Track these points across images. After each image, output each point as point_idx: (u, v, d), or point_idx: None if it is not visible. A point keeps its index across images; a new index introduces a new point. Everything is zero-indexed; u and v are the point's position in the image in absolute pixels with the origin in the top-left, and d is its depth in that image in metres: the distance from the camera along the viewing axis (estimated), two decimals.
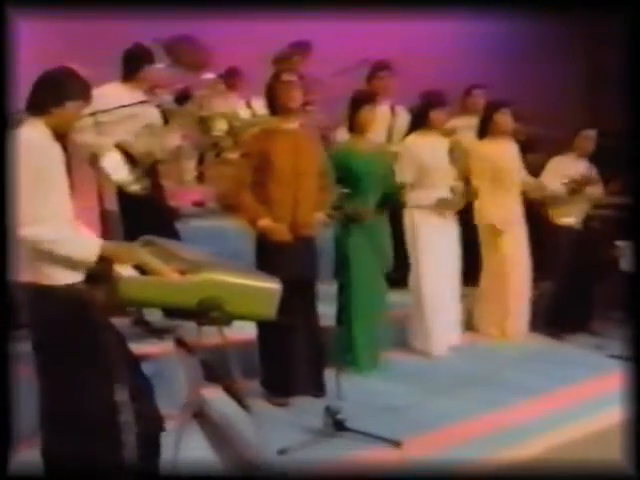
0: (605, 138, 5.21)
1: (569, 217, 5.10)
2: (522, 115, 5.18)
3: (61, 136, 2.72)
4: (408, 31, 6.86)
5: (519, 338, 4.93)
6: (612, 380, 4.00)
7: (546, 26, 7.66)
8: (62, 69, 2.71)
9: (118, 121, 4.01)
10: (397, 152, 4.63)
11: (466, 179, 4.87)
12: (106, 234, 3.74)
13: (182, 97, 5.09)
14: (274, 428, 3.26)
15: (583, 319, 5.13)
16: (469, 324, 5.05)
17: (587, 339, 5.01)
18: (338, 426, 3.28)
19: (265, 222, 3.68)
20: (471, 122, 5.23)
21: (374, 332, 4.24)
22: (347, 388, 3.61)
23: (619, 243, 4.74)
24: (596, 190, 5.18)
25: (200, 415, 2.80)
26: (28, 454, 2.73)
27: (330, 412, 3.29)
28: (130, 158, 4.05)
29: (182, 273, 2.56)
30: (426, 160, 4.49)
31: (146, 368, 2.85)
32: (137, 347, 3.11)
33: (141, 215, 3.97)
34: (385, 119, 5.09)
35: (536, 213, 5.14)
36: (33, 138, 2.56)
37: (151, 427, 2.71)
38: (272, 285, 2.69)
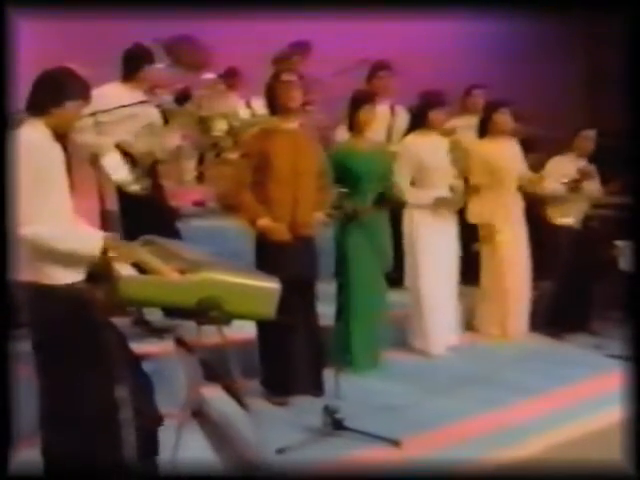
0: (605, 138, 5.21)
1: (567, 217, 5.10)
2: (522, 115, 5.19)
3: (61, 136, 2.73)
4: (408, 31, 6.86)
5: (519, 338, 4.93)
6: (611, 380, 4.00)
7: (546, 26, 7.66)
8: (61, 69, 2.72)
9: (118, 121, 4.02)
10: (396, 152, 4.63)
11: (466, 178, 4.88)
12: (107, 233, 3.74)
13: (182, 97, 5.09)
14: (273, 427, 3.26)
15: (582, 319, 5.13)
16: (470, 324, 5.06)
17: (586, 339, 5.00)
18: (337, 425, 3.29)
19: (265, 222, 3.69)
20: (471, 122, 5.24)
21: (373, 332, 4.25)
22: (346, 387, 3.62)
23: (618, 243, 4.75)
24: (595, 189, 5.18)
25: (200, 414, 2.82)
26: (28, 453, 2.73)
27: (329, 411, 3.30)
28: (130, 158, 4.06)
29: (182, 272, 2.57)
30: (425, 160, 4.49)
31: (146, 367, 2.86)
32: (137, 346, 3.12)
33: (141, 215, 3.97)
34: (385, 119, 5.10)
35: (536, 213, 5.15)
36: (33, 138, 2.56)
37: (150, 425, 2.72)
38: (271, 285, 2.69)
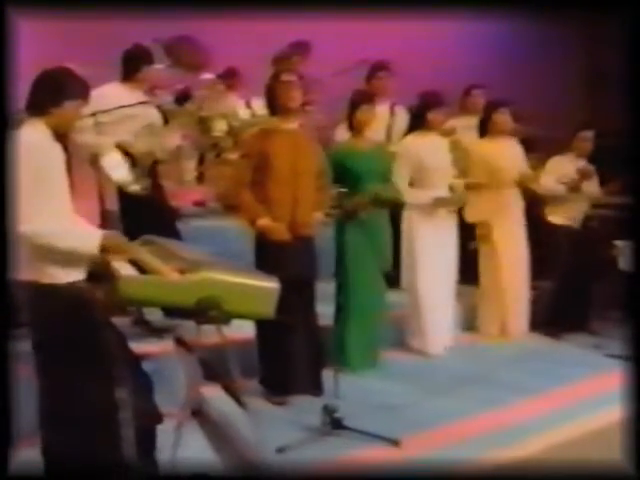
0: (605, 138, 5.22)
1: (567, 216, 5.10)
2: (522, 115, 5.19)
3: (61, 136, 2.73)
4: (408, 31, 6.87)
5: (519, 337, 4.94)
6: (611, 379, 4.01)
7: (546, 26, 7.66)
8: (60, 69, 2.72)
9: (118, 121, 4.02)
10: (396, 152, 4.63)
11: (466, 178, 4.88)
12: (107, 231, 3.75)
13: (182, 97, 5.10)
14: (273, 426, 3.28)
15: (582, 318, 5.14)
16: (471, 324, 5.07)
17: (586, 338, 5.01)
18: (336, 425, 3.30)
19: (264, 221, 3.70)
20: (471, 122, 5.25)
21: (371, 331, 4.25)
22: (345, 387, 3.62)
23: (618, 243, 4.75)
24: (595, 189, 5.19)
25: (199, 413, 2.82)
26: (28, 453, 2.73)
27: (328, 411, 3.31)
28: (130, 158, 4.06)
29: (181, 272, 2.58)
30: (425, 160, 4.50)
31: (146, 367, 2.86)
32: (137, 346, 3.12)
33: (141, 215, 3.97)
34: (384, 119, 5.10)
35: (536, 213, 5.15)
36: (33, 138, 2.57)
37: (149, 423, 2.72)
38: (270, 284, 2.70)
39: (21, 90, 2.74)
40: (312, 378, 3.83)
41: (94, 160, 3.97)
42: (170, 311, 3.84)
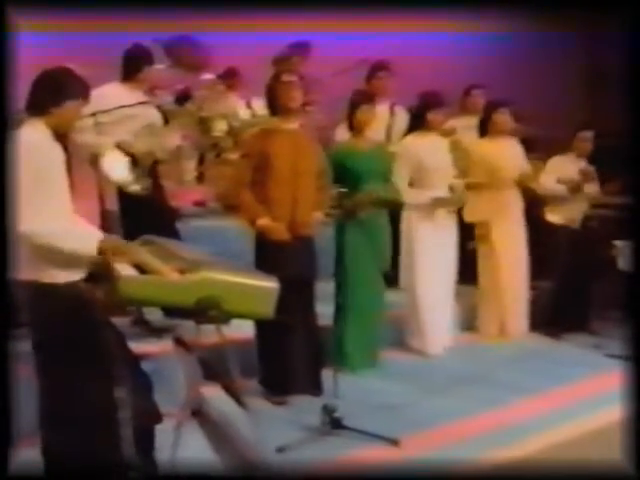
0: (605, 138, 5.22)
1: (566, 216, 5.11)
2: (522, 115, 5.19)
3: (62, 136, 2.74)
4: (408, 31, 6.86)
5: (518, 337, 4.94)
6: (610, 379, 4.01)
7: (546, 26, 7.66)
8: (60, 69, 2.72)
9: (118, 121, 4.02)
10: (395, 152, 4.63)
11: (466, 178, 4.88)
12: (107, 234, 3.75)
13: (182, 98, 5.11)
14: (272, 426, 3.29)
15: (581, 318, 5.14)
16: (472, 323, 5.07)
17: (585, 338, 5.01)
18: (335, 424, 3.31)
19: (264, 221, 3.70)
20: (471, 122, 5.25)
21: (369, 331, 4.25)
22: (344, 387, 3.62)
23: (617, 243, 4.75)
24: (595, 189, 5.19)
25: (199, 413, 2.82)
26: (28, 453, 2.74)
27: (327, 410, 3.31)
28: (130, 158, 4.06)
29: (181, 272, 2.58)
30: (424, 160, 4.50)
31: (145, 367, 2.87)
32: (137, 346, 3.13)
33: (141, 215, 3.98)
34: (384, 119, 5.11)
35: (536, 213, 5.15)
36: (33, 138, 2.57)
37: (148, 423, 2.73)
38: (270, 284, 2.70)
39: (21, 90, 2.74)
40: (312, 378, 3.83)
41: (94, 160, 3.97)
42: (170, 311, 3.84)
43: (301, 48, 5.56)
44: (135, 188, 4.01)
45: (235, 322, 2.71)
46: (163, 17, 5.42)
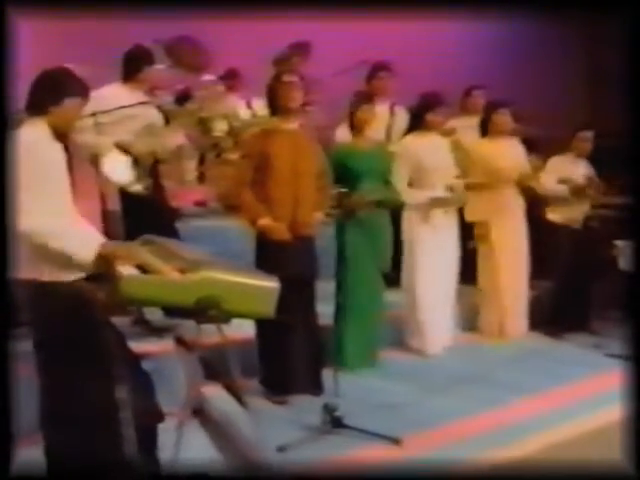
0: (605, 138, 5.22)
1: (567, 217, 5.11)
2: (522, 115, 5.19)
3: (63, 136, 2.74)
4: (408, 31, 6.87)
5: (518, 337, 4.94)
6: (611, 379, 4.01)
7: (546, 26, 7.66)
8: (59, 69, 2.73)
9: (118, 121, 4.03)
10: (395, 152, 4.64)
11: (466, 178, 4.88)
12: (108, 234, 3.74)
13: (182, 98, 5.11)
14: (273, 426, 3.29)
15: (582, 318, 5.14)
16: (471, 324, 5.07)
17: (586, 338, 5.01)
18: (336, 423, 3.31)
19: (265, 221, 3.71)
20: (471, 122, 5.25)
21: (369, 331, 4.26)
22: (345, 386, 3.63)
23: (618, 243, 4.75)
24: (596, 191, 5.19)
25: (200, 413, 2.83)
26: (29, 453, 2.74)
27: (328, 410, 3.32)
28: (131, 158, 4.06)
29: (181, 272, 2.58)
30: (424, 161, 4.50)
31: (146, 366, 2.87)
32: (137, 346, 3.13)
33: (142, 215, 3.98)
34: (384, 119, 5.11)
35: (537, 213, 5.16)
36: (33, 138, 2.57)
37: (150, 422, 2.73)
38: (270, 283, 2.70)
39: (21, 90, 2.75)
40: (312, 377, 3.84)
41: (95, 160, 3.98)
42: (170, 310, 3.85)
43: (301, 48, 5.56)
44: (137, 188, 4.01)
45: (235, 322, 2.71)
46: (163, 17, 5.42)
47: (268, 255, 3.69)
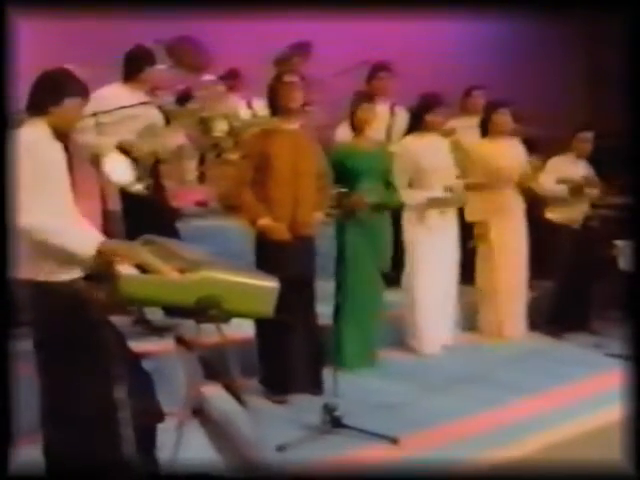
0: (605, 138, 5.22)
1: (567, 217, 5.11)
2: (522, 115, 5.20)
3: (63, 136, 2.74)
4: (408, 31, 6.87)
5: (517, 337, 4.94)
6: (611, 379, 4.01)
7: (546, 26, 7.66)
8: (59, 69, 2.74)
9: (119, 122, 4.03)
10: (394, 152, 4.64)
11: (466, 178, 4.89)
12: (108, 234, 3.75)
13: (183, 98, 5.12)
14: (273, 425, 3.29)
15: (582, 318, 5.14)
16: (471, 324, 5.07)
17: (586, 338, 5.01)
18: (335, 423, 3.32)
19: (265, 221, 3.71)
20: (471, 122, 5.25)
21: (368, 331, 4.26)
22: (344, 386, 3.63)
23: (618, 243, 4.75)
24: (595, 190, 5.19)
25: (200, 412, 2.82)
26: (29, 452, 2.74)
27: (328, 409, 3.32)
28: (132, 158, 4.06)
29: (181, 271, 2.58)
30: (423, 161, 4.50)
31: (146, 366, 2.87)
32: (137, 345, 3.13)
33: (143, 215, 3.99)
34: (384, 119, 5.11)
35: (537, 213, 5.16)
36: (33, 138, 2.58)
37: (150, 422, 2.73)
38: (270, 283, 2.70)
39: (21, 90, 2.75)
40: (312, 377, 3.84)
41: (95, 160, 3.98)
42: (170, 310, 3.85)
43: (302, 49, 5.56)
44: (137, 188, 4.01)
45: (235, 321, 2.71)
46: (164, 17, 5.42)
47: (268, 255, 3.69)
